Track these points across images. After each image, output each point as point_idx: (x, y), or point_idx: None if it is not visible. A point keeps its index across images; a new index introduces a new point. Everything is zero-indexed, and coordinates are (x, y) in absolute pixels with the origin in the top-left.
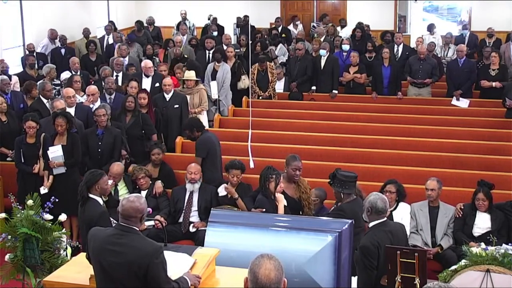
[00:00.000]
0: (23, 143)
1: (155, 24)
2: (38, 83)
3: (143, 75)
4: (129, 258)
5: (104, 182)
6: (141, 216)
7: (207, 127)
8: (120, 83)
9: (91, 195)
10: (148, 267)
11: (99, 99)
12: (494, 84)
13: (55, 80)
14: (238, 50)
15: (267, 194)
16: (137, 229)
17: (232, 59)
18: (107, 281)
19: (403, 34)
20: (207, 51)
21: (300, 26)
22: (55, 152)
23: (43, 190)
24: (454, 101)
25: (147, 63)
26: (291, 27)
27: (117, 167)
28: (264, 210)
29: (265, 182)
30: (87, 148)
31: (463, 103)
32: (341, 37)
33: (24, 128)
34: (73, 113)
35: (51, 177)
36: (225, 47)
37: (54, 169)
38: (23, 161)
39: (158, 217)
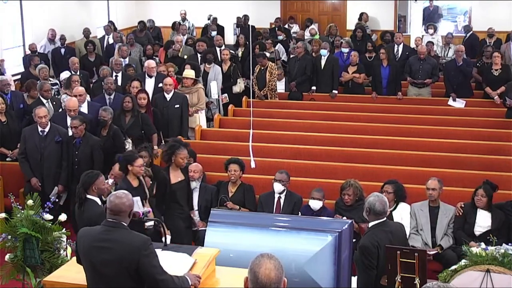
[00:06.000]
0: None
1: (155, 25)
2: (38, 83)
3: (146, 75)
4: (119, 253)
5: (101, 183)
6: (130, 212)
7: (204, 127)
8: (120, 83)
9: (88, 196)
10: (139, 261)
11: (86, 101)
12: (496, 99)
13: (50, 79)
14: (233, 52)
15: None
16: (125, 224)
17: (228, 62)
18: (98, 281)
19: (403, 34)
20: (198, 54)
21: (296, 27)
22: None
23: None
24: (450, 102)
25: (150, 63)
26: (287, 27)
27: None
28: None
29: None
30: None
31: (459, 103)
32: (341, 37)
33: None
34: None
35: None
36: (218, 49)
37: None
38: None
39: None
